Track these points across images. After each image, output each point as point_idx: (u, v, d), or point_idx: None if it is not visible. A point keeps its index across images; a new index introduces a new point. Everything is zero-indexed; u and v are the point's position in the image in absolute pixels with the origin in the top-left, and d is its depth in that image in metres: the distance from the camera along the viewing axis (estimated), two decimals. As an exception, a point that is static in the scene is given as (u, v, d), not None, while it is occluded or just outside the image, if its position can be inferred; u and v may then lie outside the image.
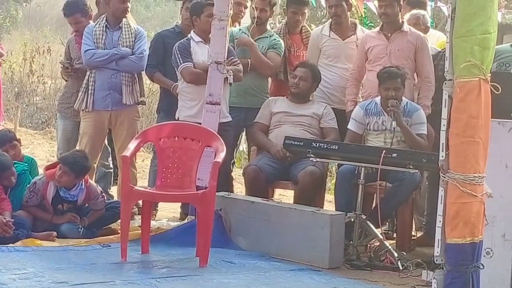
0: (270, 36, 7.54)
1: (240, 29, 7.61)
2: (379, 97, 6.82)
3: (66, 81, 7.88)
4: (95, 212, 6.68)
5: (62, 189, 6.52)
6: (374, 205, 6.72)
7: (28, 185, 6.54)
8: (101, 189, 6.83)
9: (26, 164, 6.82)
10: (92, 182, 6.80)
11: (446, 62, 4.37)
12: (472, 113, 4.30)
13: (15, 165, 6.59)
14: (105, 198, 6.82)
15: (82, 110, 7.33)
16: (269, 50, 7.46)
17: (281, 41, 7.55)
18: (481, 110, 4.31)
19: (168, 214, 7.73)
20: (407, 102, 6.81)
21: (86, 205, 6.69)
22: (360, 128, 6.85)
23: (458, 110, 4.32)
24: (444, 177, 4.39)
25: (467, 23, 4.32)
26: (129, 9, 7.45)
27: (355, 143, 6.67)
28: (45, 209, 6.54)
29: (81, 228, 6.47)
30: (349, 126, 6.91)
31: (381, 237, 6.34)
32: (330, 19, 7.59)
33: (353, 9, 8.49)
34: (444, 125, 4.40)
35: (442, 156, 4.40)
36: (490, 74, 4.37)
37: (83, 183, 6.58)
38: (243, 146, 9.42)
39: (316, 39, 7.52)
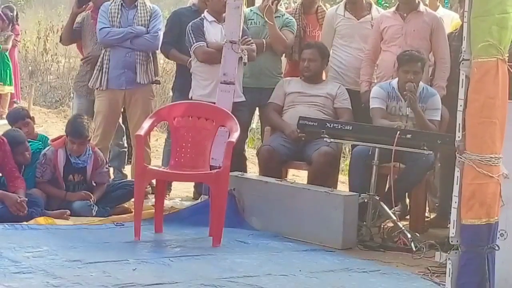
0: (282, 16, 7.51)
1: (251, 10, 7.57)
2: (395, 80, 6.78)
3: (84, 49, 7.84)
4: (99, 186, 6.72)
5: (72, 156, 6.59)
6: (388, 186, 6.71)
7: (38, 161, 6.56)
8: (105, 159, 6.95)
9: (41, 143, 6.85)
10: (97, 149, 6.85)
11: (464, 42, 4.33)
12: (489, 93, 4.26)
13: (29, 144, 6.61)
14: (109, 169, 6.95)
15: (97, 88, 7.33)
16: (282, 29, 7.43)
17: (294, 20, 7.52)
18: (498, 90, 4.27)
19: (181, 193, 7.73)
20: (423, 87, 6.76)
21: (93, 182, 6.74)
22: (384, 105, 6.76)
23: (475, 90, 4.28)
24: (460, 158, 4.35)
25: (485, 3, 4.27)
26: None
27: (370, 124, 6.64)
28: (57, 184, 6.58)
29: (93, 206, 6.49)
30: (375, 105, 6.77)
31: (394, 218, 6.33)
32: (345, -1, 7.56)
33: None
34: (461, 105, 4.36)
35: (459, 137, 4.36)
36: (508, 55, 4.33)
37: (90, 148, 6.67)
38: (255, 124, 9.41)
39: (330, 19, 7.47)
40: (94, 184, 6.75)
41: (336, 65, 7.38)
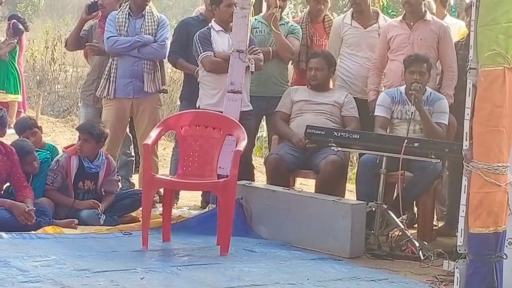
0: (287, 23, 7.54)
1: (256, 19, 7.59)
2: (404, 86, 6.79)
3: (90, 58, 7.85)
4: (108, 196, 6.72)
5: (85, 160, 6.60)
6: (395, 194, 6.70)
7: (50, 167, 6.57)
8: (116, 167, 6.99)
9: (49, 152, 6.85)
10: (109, 155, 6.88)
11: (471, 50, 4.35)
12: (496, 102, 4.27)
13: (37, 153, 6.62)
14: (119, 178, 6.96)
15: (104, 97, 7.34)
16: (288, 36, 7.45)
17: (298, 27, 7.55)
18: (505, 99, 4.28)
19: (189, 202, 7.74)
20: (431, 92, 6.76)
21: (102, 191, 6.74)
22: (388, 114, 6.79)
23: (482, 99, 4.29)
24: (468, 167, 4.36)
25: (492, 12, 4.29)
26: (151, -3, 7.47)
27: (377, 133, 6.64)
28: (66, 192, 6.60)
29: (101, 215, 6.49)
30: (377, 113, 6.81)
31: (402, 226, 6.33)
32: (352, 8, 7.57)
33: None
34: (468, 114, 4.37)
35: (466, 146, 4.37)
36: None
37: (103, 154, 6.71)
38: (262, 133, 9.42)
39: (337, 27, 7.48)
40: (103, 193, 6.76)
41: (343, 74, 7.39)
